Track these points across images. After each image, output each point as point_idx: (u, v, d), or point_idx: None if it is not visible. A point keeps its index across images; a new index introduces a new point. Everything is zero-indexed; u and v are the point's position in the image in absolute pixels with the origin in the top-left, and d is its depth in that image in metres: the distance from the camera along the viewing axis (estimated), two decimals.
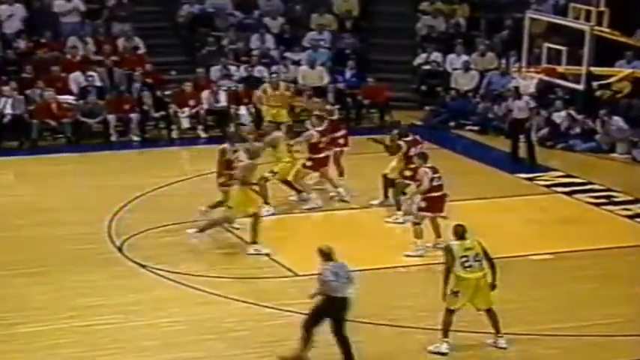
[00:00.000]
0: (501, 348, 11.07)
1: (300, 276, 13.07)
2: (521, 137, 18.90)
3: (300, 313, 11.90)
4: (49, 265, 13.54)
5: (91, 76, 20.72)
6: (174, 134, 20.45)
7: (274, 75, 20.17)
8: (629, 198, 16.70)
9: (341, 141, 16.59)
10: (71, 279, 13.03)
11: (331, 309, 10.51)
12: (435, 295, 11.11)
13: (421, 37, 23.36)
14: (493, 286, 11.03)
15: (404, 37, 23.45)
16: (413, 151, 15.07)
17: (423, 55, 22.75)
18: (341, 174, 16.45)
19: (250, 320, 11.93)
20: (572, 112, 20.33)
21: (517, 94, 19.26)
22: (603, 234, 14.99)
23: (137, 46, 22.06)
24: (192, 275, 13.00)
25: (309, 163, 15.56)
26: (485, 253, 11.05)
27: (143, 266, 13.39)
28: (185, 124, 20.49)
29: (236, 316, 12.05)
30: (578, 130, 20.23)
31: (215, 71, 21.61)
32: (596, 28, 17.92)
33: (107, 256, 13.80)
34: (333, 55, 22.69)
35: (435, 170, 13.70)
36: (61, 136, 19.99)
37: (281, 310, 12.09)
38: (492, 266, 11.06)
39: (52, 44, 21.60)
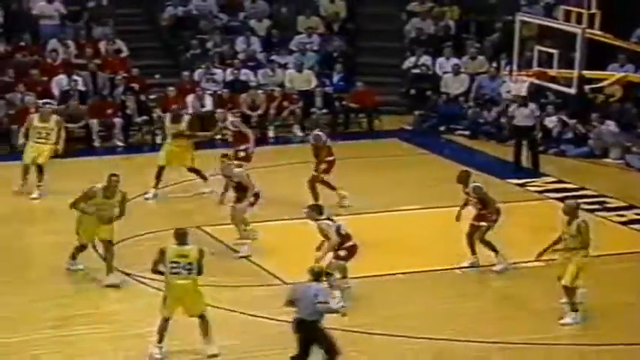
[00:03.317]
0: (212, 355, 11.06)
1: (288, 284, 13.08)
2: (524, 144, 18.98)
3: (286, 322, 11.96)
4: (31, 274, 13.56)
5: (75, 80, 20.71)
6: (159, 139, 20.44)
7: (47, 104, 17.79)
8: (623, 204, 16.81)
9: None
10: (53, 288, 13.02)
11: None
12: (426, 302, 11.17)
13: (410, 39, 23.44)
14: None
15: (392, 40, 23.52)
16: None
17: (412, 59, 22.81)
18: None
19: (238, 329, 11.93)
20: (564, 117, 20.43)
21: (523, 101, 19.31)
22: (596, 241, 15.00)
23: (120, 49, 22.07)
24: None
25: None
26: (199, 264, 11.10)
27: (127, 274, 13.37)
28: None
29: (223, 324, 12.05)
30: (570, 135, 20.35)
31: (199, 75, 21.63)
32: (588, 30, 17.98)
33: (87, 264, 13.73)
34: (320, 59, 22.75)
35: None
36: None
37: (269, 318, 12.10)
38: (198, 274, 11.14)
39: (31, 47, 21.58)
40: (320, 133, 16.48)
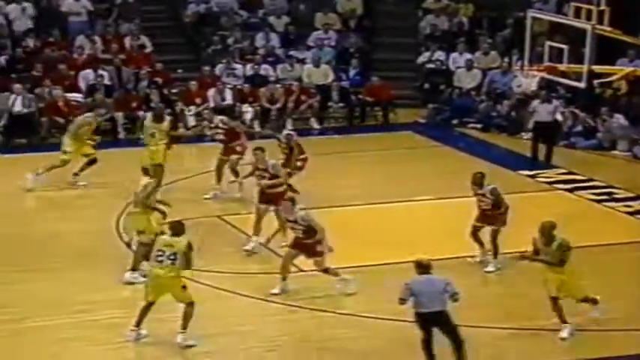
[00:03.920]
0: (188, 345, 10.98)
1: (304, 271, 13.13)
2: (541, 138, 18.75)
3: (305, 308, 12.02)
4: (59, 260, 13.64)
5: (101, 75, 20.83)
6: (181, 132, 20.49)
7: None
8: (630, 195, 16.76)
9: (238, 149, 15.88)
10: (80, 274, 13.12)
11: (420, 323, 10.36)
12: None
13: (424, 35, 23.41)
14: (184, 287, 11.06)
15: (407, 36, 23.50)
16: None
17: (427, 54, 22.80)
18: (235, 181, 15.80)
19: (256, 315, 11.99)
20: (576, 110, 20.33)
21: (547, 97, 19.05)
22: (604, 230, 15.04)
23: (144, 44, 22.16)
24: (199, 270, 13.03)
25: None
26: (187, 256, 10.98)
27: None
28: (191, 121, 20.57)
29: (241, 310, 12.11)
30: (579, 127, 20.28)
31: (220, 69, 21.70)
32: (598, 26, 17.92)
33: (115, 251, 13.87)
34: (337, 54, 22.77)
35: None
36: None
37: (286, 304, 12.15)
38: (186, 267, 11.08)
39: (60, 43, 21.72)
40: (292, 132, 16.17)
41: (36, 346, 11.15)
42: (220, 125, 16.03)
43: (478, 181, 13.59)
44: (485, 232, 13.52)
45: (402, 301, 10.31)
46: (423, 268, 10.41)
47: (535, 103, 19.39)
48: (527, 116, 20.09)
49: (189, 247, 11.05)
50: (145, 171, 15.34)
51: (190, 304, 11.04)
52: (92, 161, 16.78)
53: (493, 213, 13.38)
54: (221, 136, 15.98)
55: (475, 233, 13.51)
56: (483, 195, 13.44)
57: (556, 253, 11.35)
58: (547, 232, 11.50)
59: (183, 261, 11.00)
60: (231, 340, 11.35)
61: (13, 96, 19.85)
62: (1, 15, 21.87)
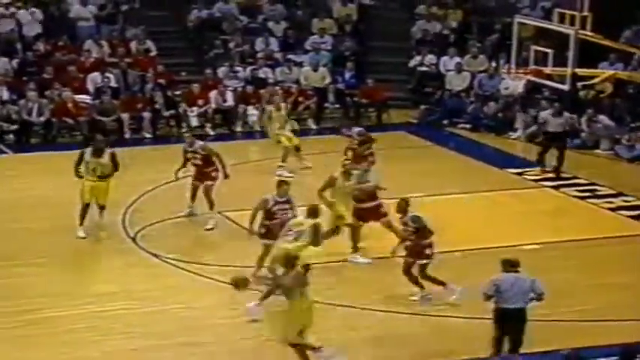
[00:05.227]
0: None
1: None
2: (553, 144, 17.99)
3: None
4: (69, 254, 13.72)
5: (108, 77, 20.90)
6: (184, 131, 20.57)
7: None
8: (612, 192, 16.85)
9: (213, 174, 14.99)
10: (88, 268, 13.24)
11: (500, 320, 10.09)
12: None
13: (416, 40, 23.49)
14: None
15: (400, 40, 23.57)
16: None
17: (418, 57, 22.87)
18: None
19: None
20: (566, 113, 20.26)
21: (559, 110, 17.95)
22: (587, 225, 15.14)
23: (149, 48, 22.22)
24: (203, 264, 13.14)
25: None
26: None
27: (155, 256, 13.53)
28: (194, 122, 20.63)
29: (243, 303, 12.16)
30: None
31: (223, 72, 21.78)
32: (580, 31, 18.04)
33: (122, 246, 13.95)
34: (333, 57, 22.84)
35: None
36: (77, 133, 20.16)
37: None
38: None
39: (69, 47, 21.78)
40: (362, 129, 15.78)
41: (49, 336, 11.22)
42: (199, 151, 15.08)
43: (401, 208, 11.97)
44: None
45: (488, 297, 10.00)
46: (511, 265, 10.08)
47: (545, 114, 18.30)
48: (516, 117, 20.06)
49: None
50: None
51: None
52: (297, 148, 17.51)
53: (417, 244, 11.75)
54: (198, 161, 15.05)
55: (408, 271, 11.82)
56: (406, 224, 11.90)
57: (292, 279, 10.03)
58: (282, 260, 10.31)
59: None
60: (232, 331, 11.42)
61: (29, 104, 19.80)
62: (12, 20, 21.91)
